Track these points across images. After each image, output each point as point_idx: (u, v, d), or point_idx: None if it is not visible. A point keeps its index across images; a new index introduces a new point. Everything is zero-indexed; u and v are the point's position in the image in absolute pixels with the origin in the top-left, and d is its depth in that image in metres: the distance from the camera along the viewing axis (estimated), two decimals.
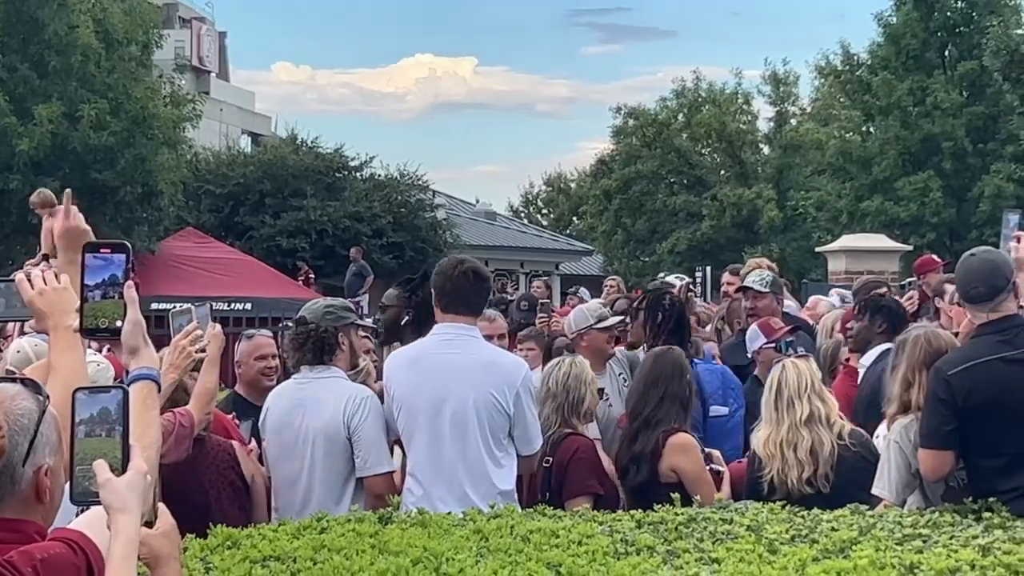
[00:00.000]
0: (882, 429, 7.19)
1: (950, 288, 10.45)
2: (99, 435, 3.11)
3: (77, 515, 3.36)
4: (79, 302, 3.60)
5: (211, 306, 6.92)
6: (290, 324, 8.58)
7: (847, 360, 8.93)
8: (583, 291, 19.70)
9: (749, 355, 9.27)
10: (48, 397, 3.31)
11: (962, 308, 6.99)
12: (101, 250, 3.60)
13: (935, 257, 14.51)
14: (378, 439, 7.01)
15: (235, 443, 7.17)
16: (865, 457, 6.89)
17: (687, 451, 7.44)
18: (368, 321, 10.21)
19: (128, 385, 3.46)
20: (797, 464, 6.86)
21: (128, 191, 27.62)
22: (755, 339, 9.19)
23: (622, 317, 9.32)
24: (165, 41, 32.53)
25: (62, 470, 3.28)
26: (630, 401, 7.86)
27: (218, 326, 6.77)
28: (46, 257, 4.37)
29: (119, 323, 3.55)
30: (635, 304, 9.59)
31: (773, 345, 8.74)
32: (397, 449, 7.28)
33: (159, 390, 3.61)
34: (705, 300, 10.11)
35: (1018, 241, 6.99)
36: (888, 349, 8.32)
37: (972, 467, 6.42)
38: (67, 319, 3.83)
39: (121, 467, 3.11)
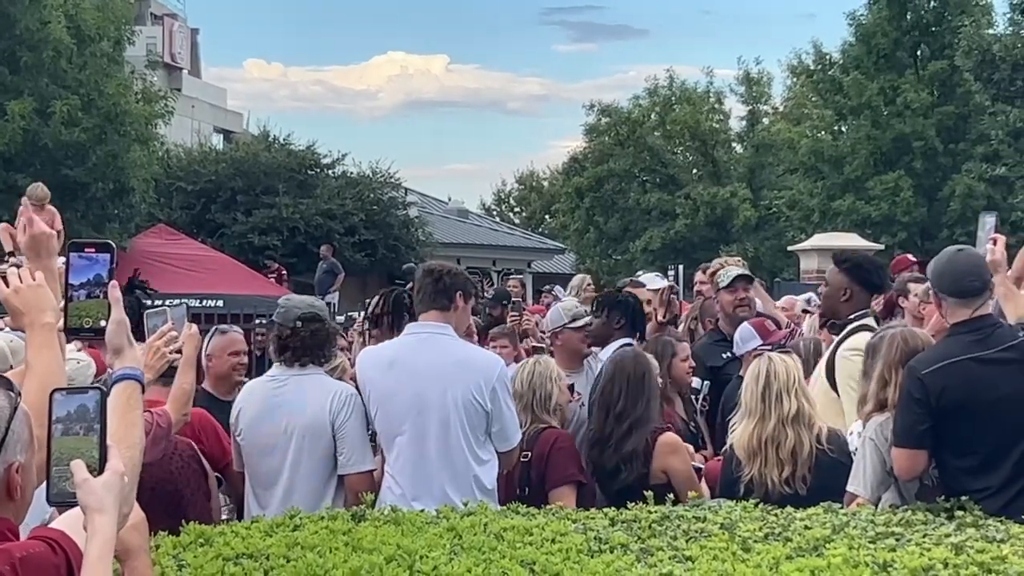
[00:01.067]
0: (856, 426, 7.20)
1: (915, 287, 10.51)
2: (76, 433, 3.10)
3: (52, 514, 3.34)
4: (63, 301, 3.59)
5: (187, 306, 6.90)
6: (262, 321, 8.55)
7: None
8: (558, 289, 19.68)
9: (739, 354, 9.16)
10: (20, 394, 3.29)
11: (934, 307, 6.98)
12: (86, 249, 3.60)
13: (910, 256, 14.58)
14: (362, 437, 7.03)
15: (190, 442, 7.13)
16: (842, 461, 6.83)
17: (678, 451, 7.45)
18: (340, 319, 10.20)
19: (112, 385, 3.44)
20: (778, 463, 6.80)
21: (100, 188, 27.50)
22: (749, 339, 9.07)
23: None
24: (137, 37, 32.36)
25: (34, 468, 3.26)
26: (595, 402, 7.86)
27: (194, 326, 6.76)
28: (11, 254, 4.38)
29: (103, 323, 3.55)
30: (594, 303, 9.57)
31: (769, 348, 8.69)
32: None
33: (143, 390, 3.59)
34: (679, 299, 10.10)
35: (995, 243, 6.99)
36: (627, 343, 8.30)
37: (944, 466, 6.43)
38: (43, 316, 3.82)
39: (99, 467, 3.09)
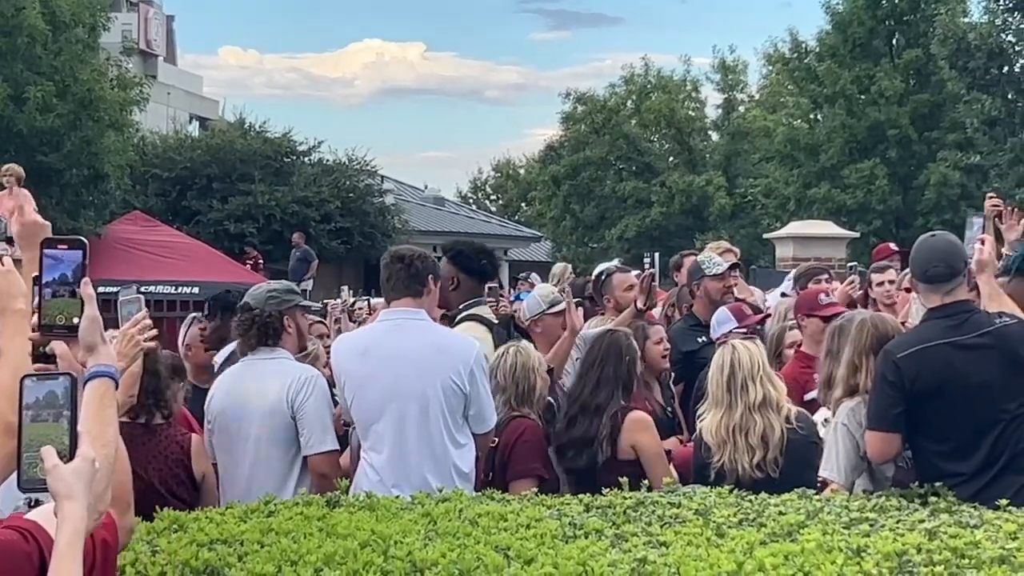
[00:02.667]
0: (824, 413, 7.23)
1: (877, 276, 10.56)
2: (45, 419, 3.09)
3: (30, 504, 3.31)
4: (36, 299, 3.56)
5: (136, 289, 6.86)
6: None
7: (799, 345, 8.91)
8: (534, 276, 19.67)
9: (715, 337, 9.16)
10: None
11: (908, 294, 7.02)
12: (58, 246, 3.57)
13: (892, 245, 14.60)
14: (322, 418, 7.00)
15: (194, 438, 7.10)
16: (813, 440, 6.88)
17: (648, 428, 7.46)
18: (316, 306, 10.18)
19: (86, 383, 3.43)
20: (748, 450, 6.81)
21: (74, 174, 27.41)
22: (725, 322, 9.06)
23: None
24: (112, 24, 32.25)
25: (2, 453, 3.25)
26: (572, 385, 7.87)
27: (144, 311, 6.72)
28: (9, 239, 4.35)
29: (76, 320, 3.52)
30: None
31: (744, 331, 8.68)
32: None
33: (117, 387, 3.57)
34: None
35: (982, 244, 7.02)
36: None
37: (918, 451, 6.45)
38: (15, 303, 3.80)
39: (69, 454, 3.08)
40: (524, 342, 8.10)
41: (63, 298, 3.53)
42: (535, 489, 6.52)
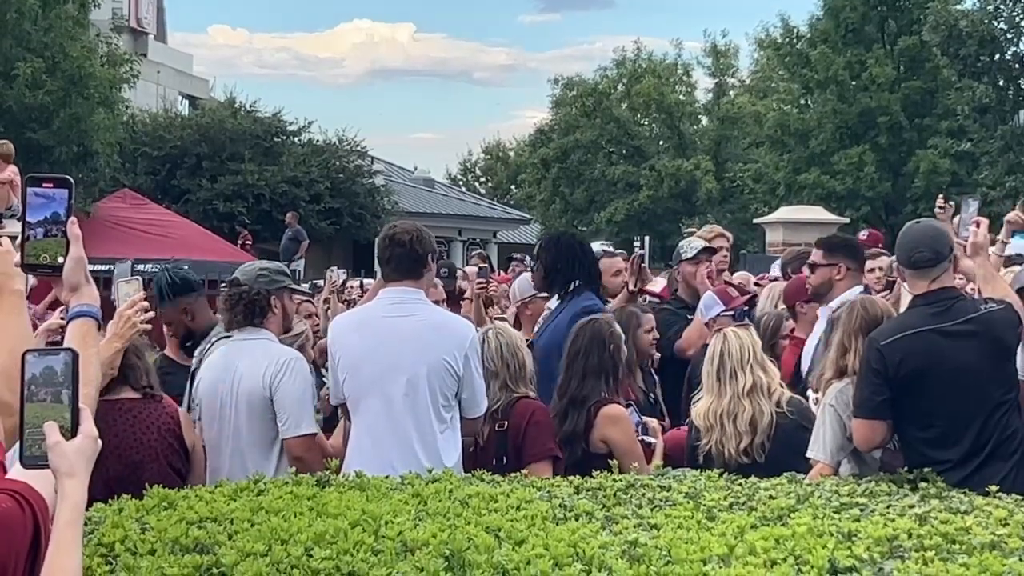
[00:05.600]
0: (813, 395, 7.25)
1: (870, 263, 10.55)
2: (44, 397, 3.07)
3: None
4: (20, 238, 3.54)
5: (132, 264, 6.87)
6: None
7: (792, 331, 8.91)
8: (528, 259, 19.66)
9: (704, 322, 9.16)
10: None
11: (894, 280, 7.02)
12: (44, 184, 3.53)
13: (874, 232, 14.66)
14: (300, 401, 6.96)
15: (180, 410, 7.11)
16: (802, 424, 6.89)
17: (618, 422, 7.41)
18: (305, 286, 10.16)
19: (68, 321, 3.42)
20: (736, 435, 6.88)
21: (63, 151, 27.34)
22: (712, 306, 9.08)
23: None
24: (103, 1, 32.15)
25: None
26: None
27: (141, 292, 6.72)
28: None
29: (61, 259, 3.51)
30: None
31: (731, 313, 8.68)
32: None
33: (99, 327, 3.57)
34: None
35: (977, 226, 7.01)
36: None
37: (905, 438, 6.46)
38: (11, 283, 3.77)
39: (71, 430, 3.07)
40: (500, 323, 8.04)
41: (55, 238, 3.51)
42: (551, 470, 6.54)
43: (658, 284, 10.58)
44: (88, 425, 3.10)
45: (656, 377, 9.13)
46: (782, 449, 6.75)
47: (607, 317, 7.98)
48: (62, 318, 4.02)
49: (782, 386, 7.15)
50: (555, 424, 7.50)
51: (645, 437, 7.67)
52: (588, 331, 7.64)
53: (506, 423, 7.18)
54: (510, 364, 7.34)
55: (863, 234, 14.56)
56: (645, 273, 9.46)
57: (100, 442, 3.13)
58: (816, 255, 8.55)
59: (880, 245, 13.34)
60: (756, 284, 11.62)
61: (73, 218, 3.51)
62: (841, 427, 6.55)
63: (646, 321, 8.76)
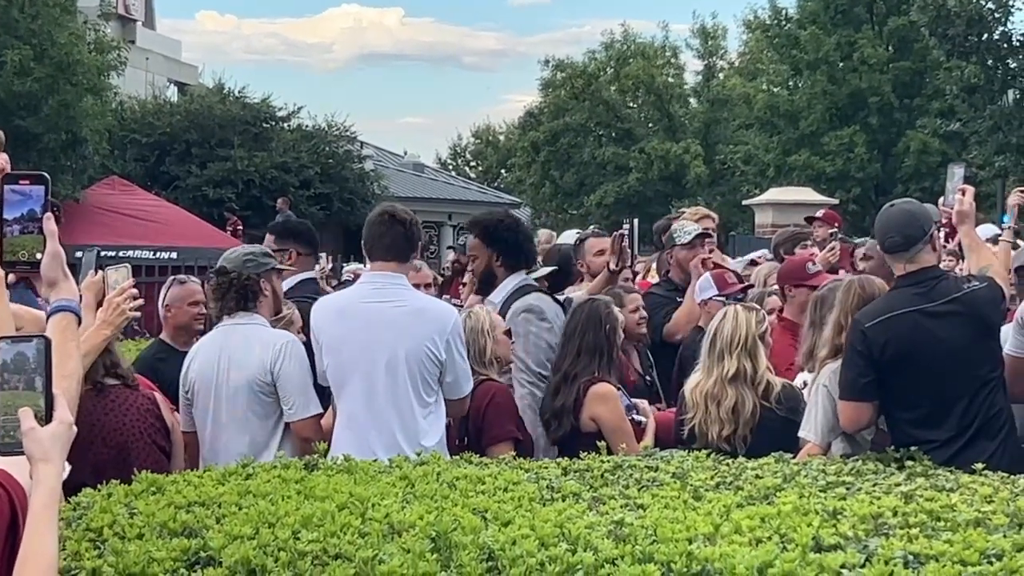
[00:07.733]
0: (804, 376, 7.24)
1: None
2: (17, 384, 3.08)
3: None
4: None
5: (98, 253, 6.86)
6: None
7: (780, 311, 8.89)
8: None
9: (698, 303, 9.14)
10: None
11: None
12: (20, 182, 3.55)
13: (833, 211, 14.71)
14: (303, 383, 6.99)
15: (157, 393, 7.14)
16: (790, 420, 6.81)
17: (606, 400, 7.44)
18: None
19: (48, 317, 3.43)
20: (718, 421, 6.83)
21: (52, 138, 27.33)
22: (706, 289, 9.05)
23: (554, 268, 9.22)
24: None
25: None
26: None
27: (100, 273, 6.72)
28: None
29: (39, 255, 3.52)
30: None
31: (723, 299, 8.67)
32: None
33: (79, 322, 3.59)
34: (633, 252, 10.01)
35: (963, 194, 7.00)
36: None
37: (891, 419, 6.46)
38: None
39: (45, 416, 3.08)
40: (476, 308, 8.01)
41: (32, 235, 3.52)
42: (512, 452, 6.53)
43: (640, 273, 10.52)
44: (63, 411, 3.11)
45: (651, 358, 9.13)
46: (766, 444, 6.41)
47: (605, 299, 8.00)
48: None
49: (770, 369, 7.08)
50: (547, 399, 7.54)
51: (635, 416, 7.69)
52: (586, 310, 7.68)
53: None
54: (471, 348, 7.33)
55: (820, 212, 14.53)
56: (626, 253, 9.42)
57: (75, 428, 3.15)
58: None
59: (837, 224, 13.34)
60: (752, 263, 11.60)
61: (49, 214, 3.53)
62: (833, 408, 6.52)
63: (630, 300, 8.68)
